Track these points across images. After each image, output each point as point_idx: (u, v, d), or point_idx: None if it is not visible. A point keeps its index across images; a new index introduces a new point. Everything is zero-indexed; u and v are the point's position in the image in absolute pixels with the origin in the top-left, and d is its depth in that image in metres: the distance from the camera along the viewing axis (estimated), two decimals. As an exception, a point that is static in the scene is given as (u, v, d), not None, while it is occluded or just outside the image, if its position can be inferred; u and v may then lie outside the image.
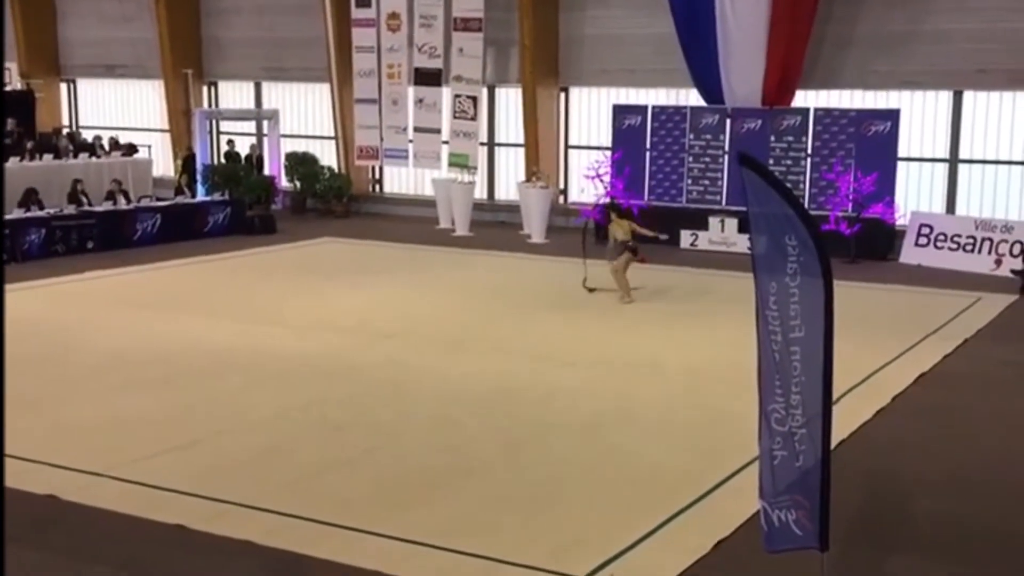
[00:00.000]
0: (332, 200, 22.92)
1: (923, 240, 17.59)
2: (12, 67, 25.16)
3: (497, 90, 22.18)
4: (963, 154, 18.33)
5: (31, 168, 19.89)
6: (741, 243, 17.45)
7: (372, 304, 14.03)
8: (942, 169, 18.54)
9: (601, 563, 6.38)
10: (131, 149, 22.74)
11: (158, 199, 20.14)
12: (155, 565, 6.47)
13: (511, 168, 22.21)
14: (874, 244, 17.53)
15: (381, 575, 6.25)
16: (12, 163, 19.78)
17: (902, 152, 17.99)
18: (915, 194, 18.55)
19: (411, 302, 14.19)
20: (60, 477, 7.77)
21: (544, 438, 8.80)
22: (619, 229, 14.15)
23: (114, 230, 18.32)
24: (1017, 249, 16.32)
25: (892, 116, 17.84)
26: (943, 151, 18.48)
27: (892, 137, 17.73)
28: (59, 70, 26.94)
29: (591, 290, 14.37)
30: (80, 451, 8.31)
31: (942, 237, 17.42)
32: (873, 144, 17.79)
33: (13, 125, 22.44)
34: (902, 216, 17.92)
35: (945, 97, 18.36)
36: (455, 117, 21.30)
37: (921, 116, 18.58)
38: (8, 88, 24.60)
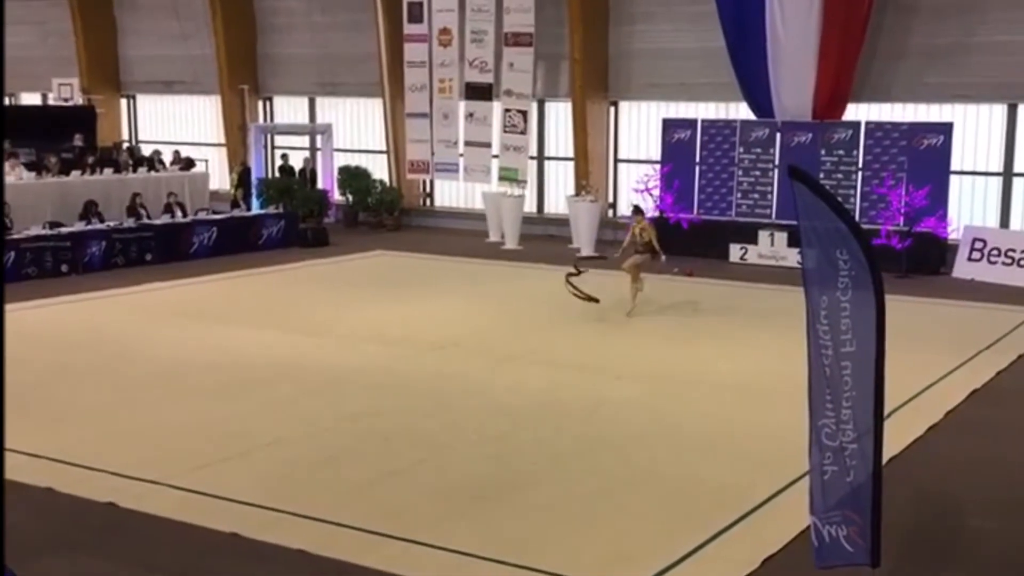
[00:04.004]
0: (383, 213, 23.16)
1: (976, 254, 17.37)
2: (74, 83, 25.78)
3: (547, 104, 22.29)
4: (1018, 168, 18.09)
5: (92, 182, 20.33)
6: (791, 257, 17.36)
7: (422, 316, 14.16)
8: (996, 183, 18.31)
9: (649, 576, 6.41)
10: (188, 163, 23.17)
11: (214, 212, 20.50)
12: (211, 573, 6.61)
13: (560, 182, 22.29)
14: (926, 258, 17.35)
15: (431, 585, 6.34)
16: (74, 176, 20.25)
17: (955, 166, 17.80)
18: (968, 208, 18.34)
19: (460, 315, 14.31)
20: (119, 485, 7.95)
21: (591, 451, 8.85)
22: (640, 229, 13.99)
23: (172, 242, 18.68)
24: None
25: (945, 129, 17.66)
26: (997, 165, 18.25)
27: (945, 150, 17.55)
28: (119, 86, 27.52)
29: (579, 272, 14.00)
30: (138, 459, 8.49)
31: (996, 251, 17.19)
32: (925, 158, 17.61)
33: (79, 140, 22.98)
34: (955, 230, 17.72)
35: (999, 110, 18.14)
36: (505, 131, 21.43)
37: (975, 129, 18.36)
38: (70, 103, 25.22)
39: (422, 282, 16.82)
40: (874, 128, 18.19)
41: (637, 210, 14.57)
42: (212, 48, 24.97)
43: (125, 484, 7.97)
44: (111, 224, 18.44)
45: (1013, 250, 17.02)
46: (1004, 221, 18.15)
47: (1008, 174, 18.16)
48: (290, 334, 13.05)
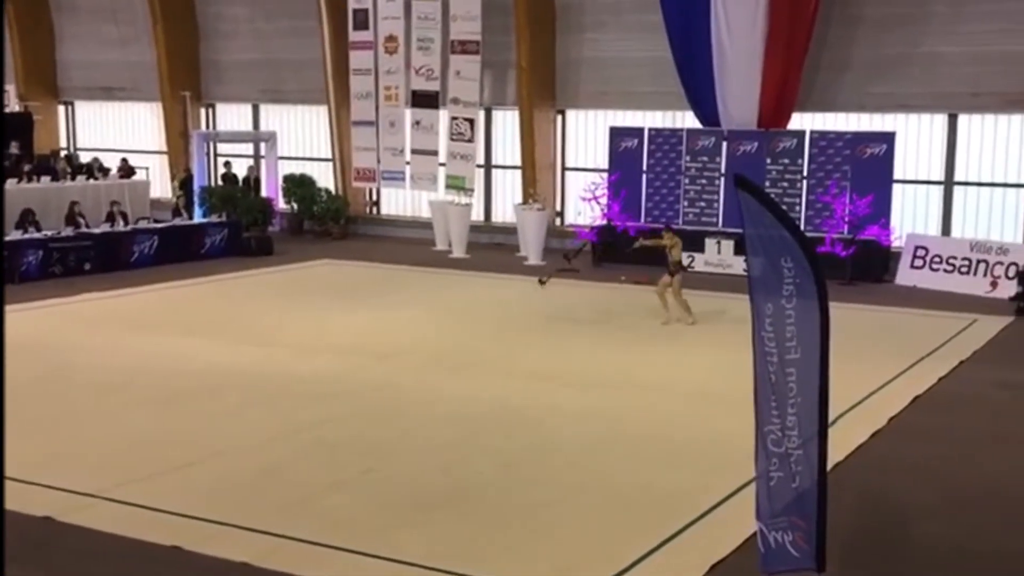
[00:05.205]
0: (329, 222, 22.98)
1: (919, 262, 17.64)
2: (11, 89, 25.26)
3: (494, 112, 22.28)
4: (958, 176, 18.41)
5: (29, 190, 19.94)
6: (737, 265, 17.50)
7: (369, 325, 14.04)
8: (937, 191, 18.62)
9: (598, 585, 6.37)
10: (128, 171, 22.79)
11: (155, 221, 20.18)
12: (151, 587, 6.46)
13: (508, 190, 22.28)
14: (870, 266, 17.57)
15: (377, 597, 6.24)
16: (10, 185, 19.83)
17: (897, 174, 18.07)
18: (911, 216, 18.62)
19: (408, 323, 14.21)
20: (57, 499, 7.75)
21: (541, 459, 8.81)
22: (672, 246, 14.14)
23: (111, 252, 18.35)
24: (1012, 271, 16.35)
25: (887, 139, 17.92)
26: (938, 174, 18.57)
27: (887, 159, 17.81)
28: (57, 92, 27.04)
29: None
30: (77, 473, 8.30)
31: (937, 259, 17.48)
32: (869, 166, 17.86)
33: (15, 147, 22.50)
34: (898, 238, 17.98)
35: (940, 120, 18.46)
36: (452, 139, 21.38)
37: (916, 139, 18.67)
38: (6, 110, 24.69)
39: (369, 291, 16.68)
40: (819, 137, 18.41)
41: (666, 227, 14.87)
42: (153, 54, 24.61)
43: (63, 497, 7.78)
44: (48, 233, 18.08)
45: (954, 257, 17.31)
46: (945, 229, 18.46)
47: (949, 183, 18.47)
48: (235, 344, 12.86)
